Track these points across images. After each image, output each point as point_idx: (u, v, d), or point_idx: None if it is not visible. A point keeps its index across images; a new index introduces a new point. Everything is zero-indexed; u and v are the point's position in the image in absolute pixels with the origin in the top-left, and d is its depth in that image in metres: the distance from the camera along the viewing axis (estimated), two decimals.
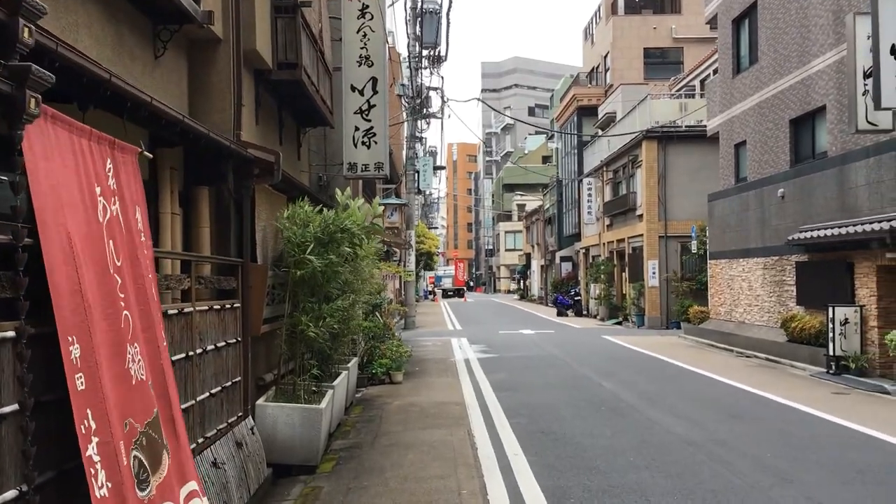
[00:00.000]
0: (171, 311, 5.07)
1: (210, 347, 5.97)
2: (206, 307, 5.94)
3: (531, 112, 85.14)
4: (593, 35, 41.20)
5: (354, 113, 11.57)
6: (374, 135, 11.55)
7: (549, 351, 18.10)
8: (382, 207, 16.13)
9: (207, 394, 5.88)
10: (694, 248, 23.20)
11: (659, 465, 7.08)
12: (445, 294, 60.99)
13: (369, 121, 11.56)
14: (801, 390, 11.67)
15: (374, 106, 11.58)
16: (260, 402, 7.41)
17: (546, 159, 57.85)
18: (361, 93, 11.58)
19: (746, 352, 16.70)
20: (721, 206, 19.62)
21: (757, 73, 17.81)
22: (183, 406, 5.29)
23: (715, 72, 24.34)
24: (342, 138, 11.76)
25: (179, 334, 5.31)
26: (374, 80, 11.57)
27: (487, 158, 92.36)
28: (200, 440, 5.63)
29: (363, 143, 11.52)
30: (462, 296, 60.47)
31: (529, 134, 73.86)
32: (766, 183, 16.98)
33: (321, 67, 10.04)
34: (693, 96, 28.03)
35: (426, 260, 47.85)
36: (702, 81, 28.44)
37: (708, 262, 21.08)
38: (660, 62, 36.40)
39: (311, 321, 7.66)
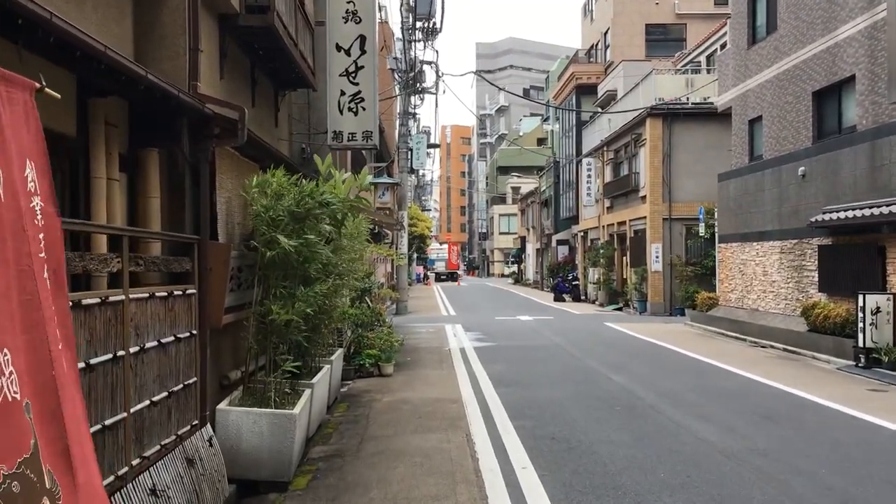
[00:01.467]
0: (88, 301, 3.91)
1: (152, 344, 4.80)
2: (146, 294, 4.75)
3: (526, 94, 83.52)
4: (592, 11, 39.80)
5: (340, 75, 10.32)
6: (363, 100, 10.30)
7: (549, 339, 16.98)
8: (372, 183, 14.97)
9: (147, 402, 4.71)
10: (702, 231, 22.04)
11: (697, 484, 5.95)
12: (438, 278, 59.87)
13: (357, 84, 10.31)
14: (833, 386, 10.58)
15: (363, 68, 10.33)
16: (221, 406, 6.24)
17: (541, 142, 56.51)
18: (348, 53, 10.32)
19: (761, 341, 15.61)
20: (733, 185, 18.46)
21: (775, 43, 16.59)
22: (108, 422, 4.14)
23: (722, 47, 23.12)
24: (326, 105, 10.52)
25: (103, 330, 4.13)
26: (363, 39, 10.32)
27: (482, 140, 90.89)
28: (136, 462, 4.48)
29: (350, 108, 10.28)
30: (456, 280, 59.42)
31: (524, 116, 72.40)
32: (785, 161, 15.82)
33: (300, 18, 8.79)
34: (699, 72, 26.76)
35: (419, 243, 46.70)
36: (708, 57, 27.19)
37: (717, 245, 19.96)
38: (662, 39, 35.09)
39: (284, 309, 6.49)
